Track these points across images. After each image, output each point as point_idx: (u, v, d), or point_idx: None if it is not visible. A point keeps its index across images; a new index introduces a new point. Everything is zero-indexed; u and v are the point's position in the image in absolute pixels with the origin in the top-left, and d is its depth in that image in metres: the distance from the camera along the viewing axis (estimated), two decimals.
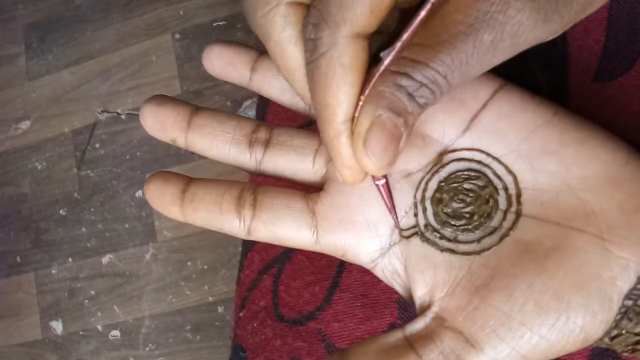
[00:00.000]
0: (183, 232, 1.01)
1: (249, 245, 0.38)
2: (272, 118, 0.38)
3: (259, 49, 0.26)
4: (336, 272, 0.32)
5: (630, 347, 0.20)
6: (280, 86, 0.26)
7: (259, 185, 0.25)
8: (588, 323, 0.20)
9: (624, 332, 0.20)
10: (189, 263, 1.01)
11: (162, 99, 0.25)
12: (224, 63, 0.26)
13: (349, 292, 0.31)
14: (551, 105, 0.23)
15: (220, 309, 0.98)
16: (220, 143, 0.25)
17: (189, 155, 1.03)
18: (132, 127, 1.08)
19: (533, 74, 0.29)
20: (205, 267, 1.00)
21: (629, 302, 0.20)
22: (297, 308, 0.33)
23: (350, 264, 0.31)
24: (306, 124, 0.35)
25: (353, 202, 0.24)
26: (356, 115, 0.20)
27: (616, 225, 0.20)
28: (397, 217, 0.23)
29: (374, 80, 0.19)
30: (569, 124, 0.22)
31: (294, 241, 0.24)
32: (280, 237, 0.24)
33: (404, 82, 0.19)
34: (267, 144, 0.25)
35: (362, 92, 0.20)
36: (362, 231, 0.23)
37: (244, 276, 0.37)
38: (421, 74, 0.19)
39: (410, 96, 0.19)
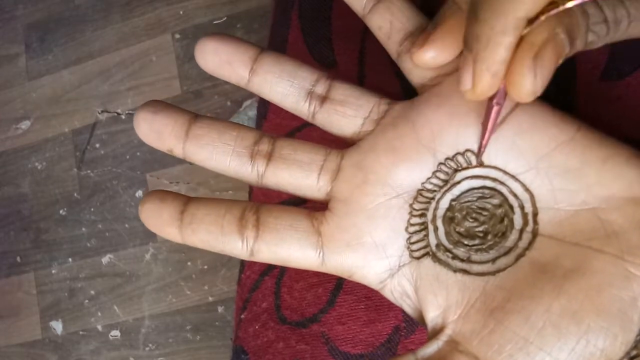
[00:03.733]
0: None
1: None
2: (274, 117, 0.37)
3: (259, 46, 0.24)
4: None
5: None
6: (282, 90, 0.24)
7: (261, 204, 0.24)
8: (609, 346, 0.19)
9: None
10: (189, 263, 1.01)
11: (157, 106, 0.23)
12: (219, 61, 0.24)
13: (352, 294, 0.31)
14: (574, 121, 0.22)
15: (220, 309, 0.98)
16: (220, 155, 0.23)
17: None
18: (132, 127, 1.08)
19: None
20: (205, 267, 1.00)
21: None
22: (300, 310, 0.32)
23: None
24: (308, 124, 0.34)
25: (360, 223, 0.22)
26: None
27: (637, 245, 0.19)
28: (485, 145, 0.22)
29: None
30: (592, 141, 0.21)
31: (299, 262, 0.23)
32: (284, 258, 0.23)
33: (592, 10, 0.18)
34: (269, 157, 0.24)
35: None
36: (370, 252, 0.22)
37: (245, 277, 0.37)
38: (611, 10, 0.18)
39: (587, 30, 0.18)
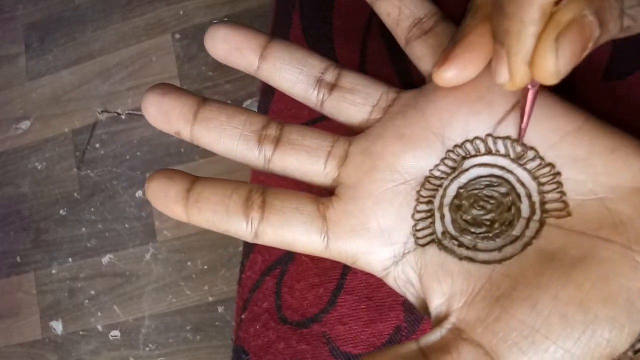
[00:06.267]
0: (183, 232, 1.01)
1: (250, 246, 0.37)
2: (274, 117, 0.37)
3: (268, 34, 0.24)
4: (341, 274, 0.31)
5: None
6: (292, 77, 0.24)
7: (268, 186, 0.24)
8: (615, 336, 0.19)
9: None
10: (189, 263, 1.01)
11: (166, 88, 0.23)
12: (229, 48, 0.24)
13: (353, 294, 0.31)
14: (581, 111, 0.22)
15: (220, 309, 0.98)
16: (228, 138, 0.23)
17: (189, 155, 1.03)
18: (132, 127, 1.08)
19: None
20: (205, 267, 1.00)
21: None
22: (301, 310, 0.32)
23: None
24: (310, 122, 0.34)
25: (366, 208, 0.22)
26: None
27: None
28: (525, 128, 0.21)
29: None
30: (600, 131, 0.21)
31: (303, 246, 0.23)
32: (288, 241, 0.23)
33: None
34: (277, 141, 0.24)
35: None
36: (375, 238, 0.22)
37: (245, 277, 0.37)
38: None
39: (622, 13, 0.18)
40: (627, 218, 0.20)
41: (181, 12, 1.09)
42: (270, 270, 0.35)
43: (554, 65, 0.18)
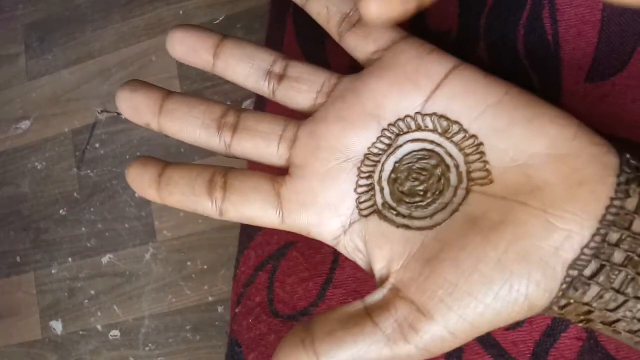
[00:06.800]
0: (183, 232, 1.02)
1: (245, 243, 0.38)
2: None
3: (222, 34, 0.26)
4: (329, 268, 0.32)
5: (582, 317, 0.21)
6: (244, 72, 0.26)
7: (230, 169, 0.26)
8: (532, 292, 0.20)
9: (572, 301, 0.21)
10: (189, 263, 1.01)
11: (136, 85, 0.26)
12: (186, 49, 0.26)
13: (342, 288, 0.31)
14: (503, 84, 0.23)
15: (220, 309, 0.98)
16: (190, 127, 0.26)
17: (188, 156, 1.03)
18: (132, 127, 1.08)
19: (527, 75, 0.29)
20: (205, 267, 1.00)
21: (575, 273, 0.20)
22: (292, 304, 0.33)
23: (344, 261, 0.32)
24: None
25: (314, 185, 0.25)
26: None
27: (560, 198, 0.21)
28: None
29: None
30: (520, 102, 0.23)
31: (261, 221, 0.25)
32: (248, 217, 0.25)
33: None
34: (235, 128, 0.26)
35: None
36: (324, 212, 0.25)
37: (240, 273, 0.38)
38: None
39: None
40: (543, 183, 0.21)
41: (181, 12, 1.10)
42: (264, 266, 0.35)
43: (377, 6, 0.18)
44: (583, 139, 0.22)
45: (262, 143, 0.26)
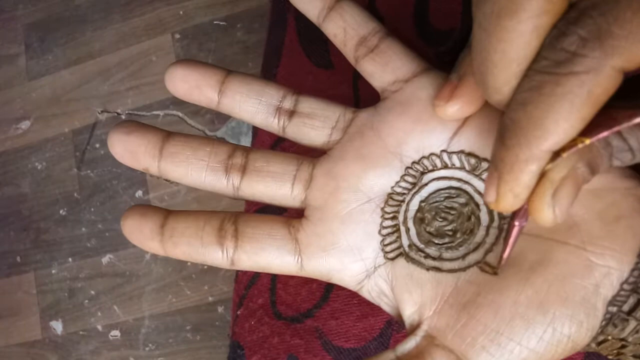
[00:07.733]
0: None
1: None
2: None
3: (226, 69, 0.25)
4: None
5: (615, 351, 0.21)
6: (251, 109, 0.25)
7: (240, 214, 0.24)
8: (575, 332, 0.20)
9: (609, 337, 0.20)
10: (189, 263, 1.01)
11: (130, 126, 0.24)
12: (189, 86, 0.24)
13: (345, 289, 0.31)
14: None
15: (220, 309, 0.98)
16: (195, 171, 0.24)
17: None
18: None
19: None
20: (205, 267, 1.00)
21: (614, 309, 0.20)
22: (295, 306, 0.33)
23: None
24: None
25: (335, 228, 0.23)
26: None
27: (597, 235, 0.20)
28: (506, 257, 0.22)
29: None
30: None
31: (279, 269, 0.24)
32: (264, 266, 0.24)
33: (615, 142, 0.19)
34: (243, 170, 0.24)
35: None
36: (346, 256, 0.23)
37: (241, 274, 0.38)
38: (636, 139, 0.18)
39: (611, 157, 0.19)
40: (580, 220, 0.21)
41: (181, 12, 1.09)
42: None
43: (552, 217, 0.19)
44: (615, 172, 0.21)
45: (273, 184, 0.24)
